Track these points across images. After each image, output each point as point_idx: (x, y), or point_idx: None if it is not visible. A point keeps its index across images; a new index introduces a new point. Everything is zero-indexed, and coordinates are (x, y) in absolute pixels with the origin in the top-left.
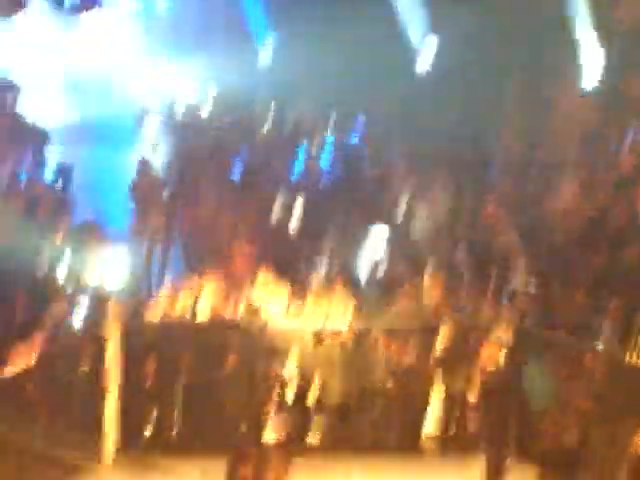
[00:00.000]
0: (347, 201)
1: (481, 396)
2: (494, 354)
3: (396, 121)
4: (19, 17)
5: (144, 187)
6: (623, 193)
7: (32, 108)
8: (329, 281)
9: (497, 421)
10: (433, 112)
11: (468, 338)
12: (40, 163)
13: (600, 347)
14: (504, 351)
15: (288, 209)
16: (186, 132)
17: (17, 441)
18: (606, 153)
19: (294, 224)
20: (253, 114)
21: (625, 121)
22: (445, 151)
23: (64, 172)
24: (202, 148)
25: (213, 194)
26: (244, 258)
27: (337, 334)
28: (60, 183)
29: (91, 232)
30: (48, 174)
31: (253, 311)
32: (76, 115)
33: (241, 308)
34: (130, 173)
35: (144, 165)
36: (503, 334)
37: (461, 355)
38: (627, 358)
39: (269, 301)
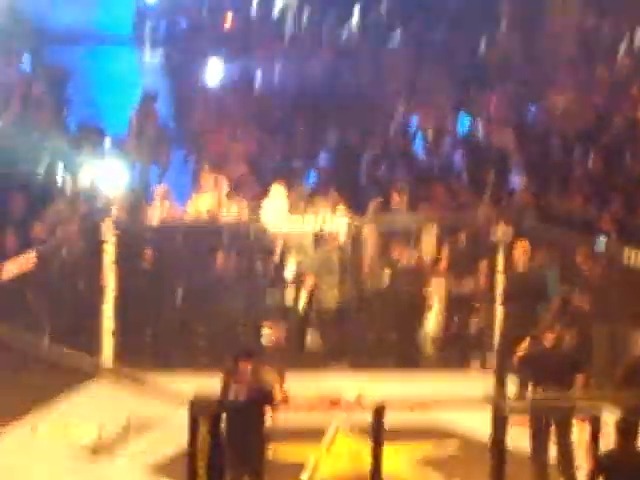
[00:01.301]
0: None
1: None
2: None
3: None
4: None
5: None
6: (620, 96)
7: (31, 9)
8: (326, 186)
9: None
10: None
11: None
12: (39, 64)
13: (599, 247)
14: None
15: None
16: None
17: (17, 343)
18: (603, 54)
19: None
20: None
21: (621, 22)
22: (443, 55)
23: (63, 73)
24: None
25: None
26: (243, 161)
27: (335, 236)
28: (59, 84)
29: (89, 134)
30: (47, 76)
31: (253, 214)
32: (75, 16)
33: (241, 211)
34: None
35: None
36: (503, 233)
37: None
38: (625, 258)
39: (269, 204)
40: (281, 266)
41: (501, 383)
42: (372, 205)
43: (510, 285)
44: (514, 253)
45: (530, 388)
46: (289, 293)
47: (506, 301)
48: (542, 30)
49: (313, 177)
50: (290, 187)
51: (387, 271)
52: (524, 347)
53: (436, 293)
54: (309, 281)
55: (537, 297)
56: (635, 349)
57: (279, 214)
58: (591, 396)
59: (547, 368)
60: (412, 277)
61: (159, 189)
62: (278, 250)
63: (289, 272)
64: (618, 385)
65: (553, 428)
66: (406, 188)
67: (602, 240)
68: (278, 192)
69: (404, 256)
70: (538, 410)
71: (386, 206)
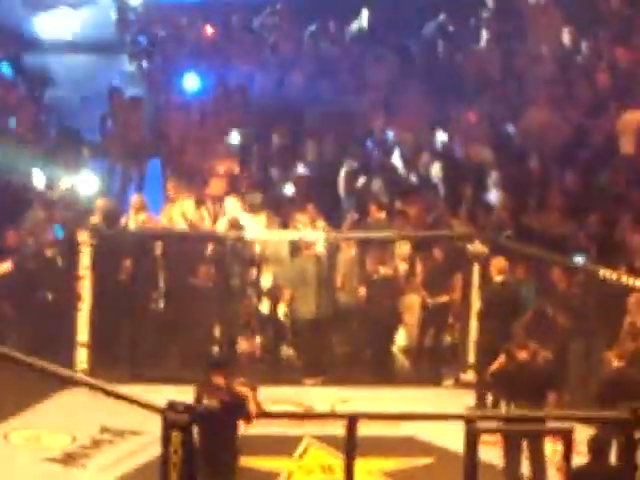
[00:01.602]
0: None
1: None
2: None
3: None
4: None
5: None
6: (599, 111)
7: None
8: (304, 196)
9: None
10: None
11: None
12: (19, 71)
13: (576, 262)
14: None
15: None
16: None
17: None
18: (581, 69)
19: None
20: None
21: (599, 35)
22: (422, 64)
23: (43, 79)
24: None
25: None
26: (222, 173)
27: (312, 244)
28: (38, 90)
29: (69, 138)
30: (27, 81)
31: (231, 223)
32: (58, 24)
33: (219, 220)
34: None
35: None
36: (480, 247)
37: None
38: (602, 273)
39: (246, 214)
40: (257, 276)
41: (480, 398)
42: (349, 218)
43: (485, 300)
44: (490, 269)
45: (503, 404)
46: (265, 304)
47: (482, 316)
48: (522, 47)
49: (290, 190)
50: (267, 199)
51: (362, 285)
52: (498, 362)
53: (410, 307)
54: (286, 293)
55: (513, 312)
56: (609, 366)
57: (255, 224)
58: (563, 413)
59: (520, 384)
60: (387, 291)
61: (134, 199)
62: (255, 260)
63: (265, 282)
64: (594, 401)
65: (525, 444)
66: (385, 202)
67: (579, 259)
68: (253, 203)
69: (379, 270)
70: (511, 426)
71: (363, 219)
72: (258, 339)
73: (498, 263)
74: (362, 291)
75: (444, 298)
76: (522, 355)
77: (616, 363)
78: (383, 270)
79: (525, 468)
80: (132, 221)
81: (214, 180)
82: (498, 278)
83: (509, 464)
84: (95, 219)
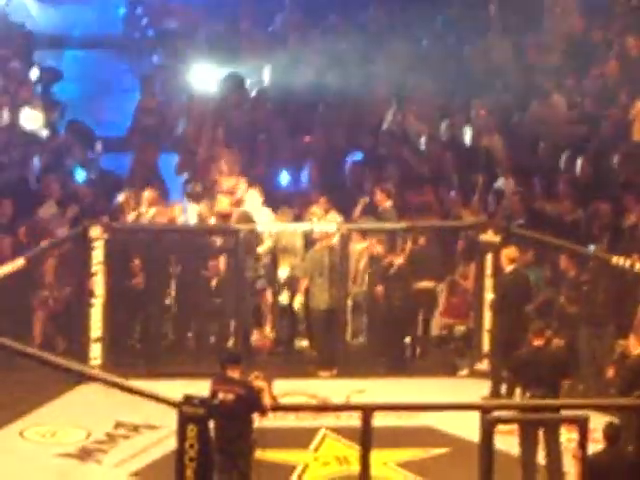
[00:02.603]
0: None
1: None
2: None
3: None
4: None
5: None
6: (609, 101)
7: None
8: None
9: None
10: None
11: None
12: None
13: (588, 250)
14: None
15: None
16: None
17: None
18: (592, 60)
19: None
20: None
21: (610, 28)
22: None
23: (53, 76)
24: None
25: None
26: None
27: (326, 236)
28: (47, 87)
29: (80, 137)
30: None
31: (243, 216)
32: (65, 19)
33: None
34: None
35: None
36: (493, 236)
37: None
38: (615, 261)
39: (259, 206)
40: (273, 268)
41: (496, 386)
42: (360, 205)
43: (498, 291)
44: (501, 258)
45: (519, 392)
46: (282, 296)
47: (495, 306)
48: (533, 37)
49: (301, 180)
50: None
51: (377, 276)
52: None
53: (425, 296)
54: (302, 284)
55: (525, 301)
56: (628, 353)
57: (267, 216)
58: (580, 402)
59: (536, 371)
60: (402, 282)
61: (147, 193)
62: (269, 252)
63: (282, 274)
64: (617, 389)
65: (541, 433)
66: (391, 188)
67: (591, 247)
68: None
69: (394, 262)
70: (527, 415)
71: (374, 208)
72: (273, 332)
73: (509, 252)
74: (377, 282)
75: (458, 287)
76: (538, 342)
77: (638, 351)
78: (397, 262)
79: (541, 457)
80: (144, 215)
81: (220, 197)
82: (509, 268)
83: (525, 453)
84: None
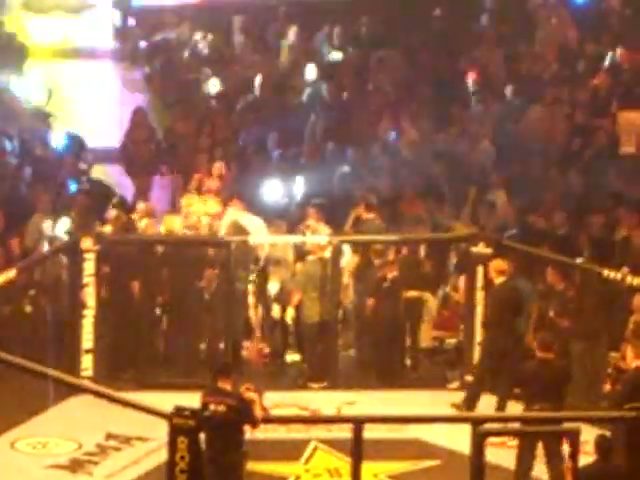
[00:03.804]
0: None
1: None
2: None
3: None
4: None
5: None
6: (601, 112)
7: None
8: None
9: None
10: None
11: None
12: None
13: (579, 263)
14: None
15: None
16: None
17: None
18: (584, 71)
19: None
20: None
21: (603, 39)
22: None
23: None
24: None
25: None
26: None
27: (317, 248)
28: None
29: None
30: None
31: (236, 228)
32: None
33: (223, 225)
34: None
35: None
36: (484, 249)
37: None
38: (606, 274)
39: (250, 218)
40: (264, 281)
41: (475, 399)
42: (351, 217)
43: (488, 303)
44: (490, 271)
45: (523, 406)
46: (273, 309)
47: (485, 319)
48: (526, 48)
49: (292, 193)
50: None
51: (368, 288)
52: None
53: (414, 308)
54: (294, 297)
55: (515, 313)
56: (622, 366)
57: (258, 229)
58: (572, 414)
59: (542, 384)
60: (393, 294)
61: (141, 206)
62: (260, 264)
63: (273, 287)
64: (617, 402)
65: (542, 446)
66: (374, 199)
67: (580, 259)
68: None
69: (387, 274)
70: (520, 427)
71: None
72: (263, 344)
73: (498, 265)
74: (369, 295)
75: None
76: (544, 355)
77: (635, 363)
78: (391, 275)
79: (539, 470)
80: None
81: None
82: (498, 280)
83: (521, 466)
84: (107, 228)
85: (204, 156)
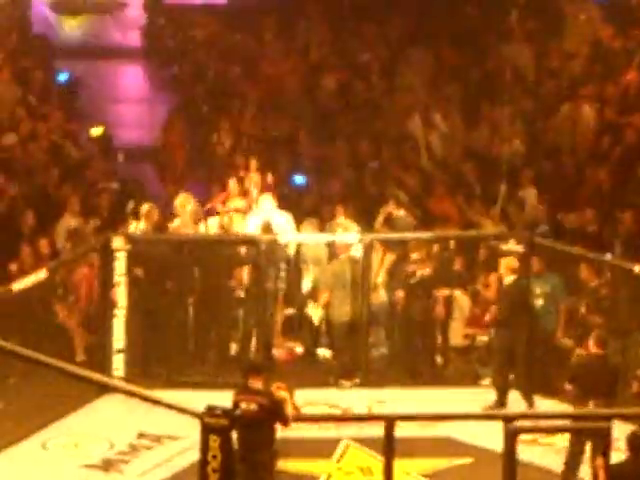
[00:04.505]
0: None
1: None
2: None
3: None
4: None
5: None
6: (631, 109)
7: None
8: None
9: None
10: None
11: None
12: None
13: (609, 259)
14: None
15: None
16: None
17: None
18: (615, 68)
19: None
20: None
21: (634, 36)
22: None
23: (73, 87)
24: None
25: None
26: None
27: (345, 246)
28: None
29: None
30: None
31: (266, 227)
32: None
33: (255, 224)
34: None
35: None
36: (515, 246)
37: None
38: (636, 270)
39: (281, 215)
40: (296, 279)
41: (501, 396)
42: (381, 215)
43: (499, 299)
44: (501, 268)
45: (576, 402)
46: (302, 307)
47: (496, 315)
48: (556, 44)
49: (321, 190)
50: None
51: (400, 286)
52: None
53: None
54: (323, 296)
55: (525, 309)
56: None
57: (288, 227)
58: (604, 411)
59: (595, 380)
60: (424, 291)
61: (180, 198)
62: (292, 263)
63: (304, 286)
64: None
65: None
66: (404, 196)
67: (607, 255)
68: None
69: (417, 271)
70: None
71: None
72: (294, 342)
73: (510, 263)
74: (400, 292)
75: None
76: (597, 351)
77: None
78: (421, 272)
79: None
80: (178, 220)
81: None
82: (510, 278)
83: (569, 464)
84: (141, 224)
85: (238, 156)
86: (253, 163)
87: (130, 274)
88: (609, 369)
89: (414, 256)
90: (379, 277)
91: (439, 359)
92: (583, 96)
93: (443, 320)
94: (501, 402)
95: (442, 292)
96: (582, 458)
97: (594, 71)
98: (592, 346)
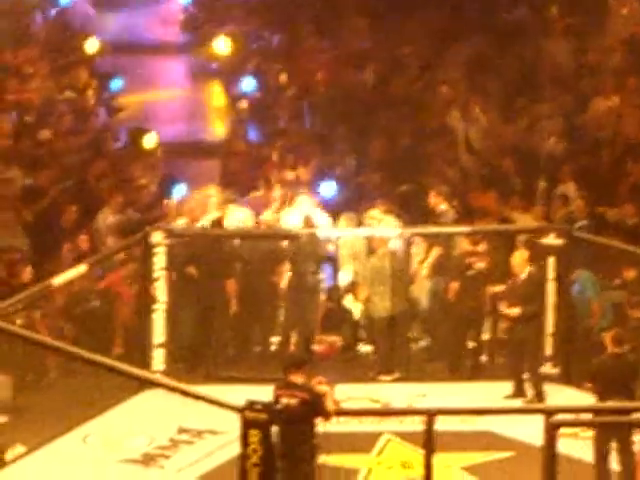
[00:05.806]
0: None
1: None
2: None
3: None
4: None
5: None
6: None
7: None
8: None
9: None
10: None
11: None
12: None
13: None
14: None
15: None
16: None
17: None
18: None
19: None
20: None
21: None
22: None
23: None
24: None
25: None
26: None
27: (381, 241)
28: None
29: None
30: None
31: (307, 222)
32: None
33: (295, 219)
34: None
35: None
36: (555, 240)
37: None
38: None
39: (322, 212)
40: (335, 275)
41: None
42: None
43: (510, 292)
44: (515, 262)
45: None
46: (342, 302)
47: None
48: (596, 39)
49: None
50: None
51: (449, 278)
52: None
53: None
54: (362, 291)
55: (537, 301)
56: None
57: (327, 223)
58: None
59: (614, 378)
60: (476, 285)
61: (209, 190)
62: (332, 257)
63: (343, 281)
64: None
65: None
66: (445, 190)
67: None
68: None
69: (474, 264)
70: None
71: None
72: (335, 337)
73: (521, 256)
74: (455, 284)
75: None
76: (617, 350)
77: None
78: (478, 265)
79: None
80: (218, 216)
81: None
82: (525, 271)
83: (598, 458)
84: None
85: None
86: (290, 159)
87: (170, 269)
88: (626, 367)
89: (469, 249)
90: (423, 270)
91: (484, 354)
92: (622, 90)
93: (493, 315)
94: (518, 394)
95: (496, 287)
96: (609, 451)
97: (633, 65)
98: (609, 345)
